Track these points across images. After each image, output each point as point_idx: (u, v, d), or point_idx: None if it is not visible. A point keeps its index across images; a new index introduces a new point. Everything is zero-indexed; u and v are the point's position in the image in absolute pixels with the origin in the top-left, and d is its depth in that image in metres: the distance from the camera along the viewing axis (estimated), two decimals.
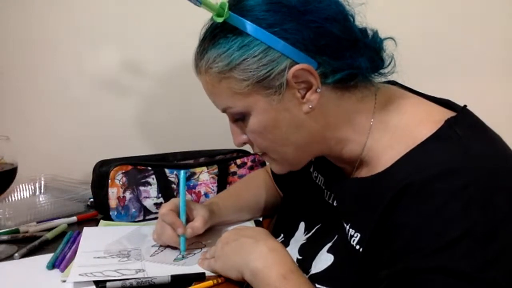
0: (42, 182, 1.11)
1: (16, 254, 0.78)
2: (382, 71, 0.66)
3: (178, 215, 0.79)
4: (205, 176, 1.02)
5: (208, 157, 1.07)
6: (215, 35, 0.63)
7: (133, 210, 0.96)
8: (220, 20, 0.60)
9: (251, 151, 0.72)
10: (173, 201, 0.82)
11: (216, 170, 1.03)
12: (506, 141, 0.60)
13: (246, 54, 0.61)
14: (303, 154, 0.69)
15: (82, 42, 1.18)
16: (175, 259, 0.77)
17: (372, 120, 0.65)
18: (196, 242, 0.82)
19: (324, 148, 0.68)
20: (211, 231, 0.86)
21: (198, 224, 0.79)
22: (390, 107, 0.65)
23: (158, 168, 0.99)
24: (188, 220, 0.80)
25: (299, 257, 0.73)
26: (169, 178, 0.99)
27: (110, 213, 0.95)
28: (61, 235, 0.88)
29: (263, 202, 0.95)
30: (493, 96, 1.12)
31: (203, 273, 0.71)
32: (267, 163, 1.03)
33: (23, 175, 0.95)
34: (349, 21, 0.63)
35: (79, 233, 0.87)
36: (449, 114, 0.61)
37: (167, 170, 0.99)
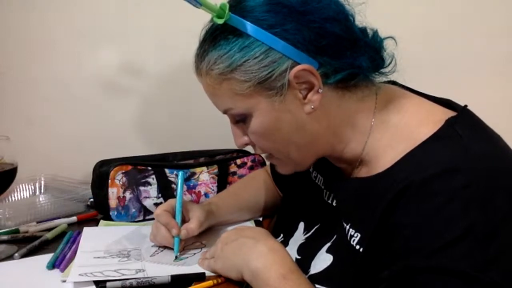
0: (42, 182, 1.11)
1: (16, 254, 0.78)
2: (382, 70, 0.66)
3: (174, 215, 0.79)
4: (205, 176, 1.02)
5: (208, 157, 1.07)
6: (216, 36, 0.63)
7: (133, 210, 0.96)
8: (220, 21, 0.60)
9: (252, 151, 0.72)
10: (169, 202, 0.82)
11: (216, 170, 1.03)
12: (506, 140, 0.60)
13: (247, 55, 0.61)
14: (306, 155, 0.68)
15: (82, 42, 1.18)
16: (175, 259, 0.77)
17: (373, 119, 0.65)
18: (195, 242, 0.82)
19: (326, 148, 0.68)
20: (211, 231, 0.86)
21: (193, 226, 0.79)
22: (391, 107, 0.65)
23: (158, 168, 0.99)
24: (184, 221, 0.80)
25: (298, 257, 0.73)
26: (169, 178, 0.99)
27: (110, 213, 0.95)
28: (61, 235, 0.88)
29: (262, 202, 0.95)
30: (493, 95, 1.12)
31: (203, 273, 0.71)
32: (267, 163, 1.03)
33: (23, 175, 0.95)
34: (350, 21, 0.63)
35: (79, 233, 0.87)
36: (449, 114, 0.61)
37: (167, 170, 0.99)
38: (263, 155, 0.71)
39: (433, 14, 1.11)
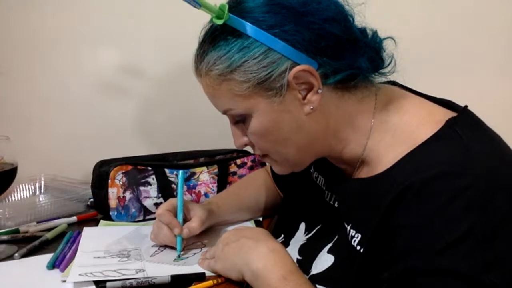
0: (42, 182, 1.11)
1: (16, 254, 0.78)
2: (382, 70, 0.66)
3: (175, 215, 0.79)
4: (205, 176, 1.02)
5: (208, 157, 1.07)
6: (215, 37, 0.63)
7: (133, 210, 0.96)
8: (220, 22, 0.60)
9: (251, 151, 0.72)
10: (170, 201, 0.82)
11: (216, 170, 1.03)
12: (506, 141, 0.60)
13: (247, 56, 0.60)
14: (305, 155, 0.68)
15: (82, 42, 1.18)
16: (175, 259, 0.77)
17: (372, 120, 0.65)
18: (195, 242, 0.82)
19: (325, 149, 0.68)
20: (211, 231, 0.86)
21: (194, 224, 0.79)
22: (391, 107, 0.65)
23: (158, 168, 0.99)
24: (186, 220, 0.80)
25: (299, 258, 0.73)
26: (169, 178, 0.99)
27: (110, 213, 0.95)
28: (61, 235, 0.88)
29: (263, 202, 0.95)
30: (493, 96, 1.12)
31: (203, 273, 0.71)
32: (267, 164, 1.03)
33: (23, 175, 0.95)
34: (349, 22, 0.63)
35: (79, 233, 0.87)
36: (449, 114, 0.61)
37: (167, 170, 0.99)
38: (260, 156, 0.71)
39: (433, 14, 1.11)
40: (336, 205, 0.71)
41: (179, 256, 0.77)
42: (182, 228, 0.78)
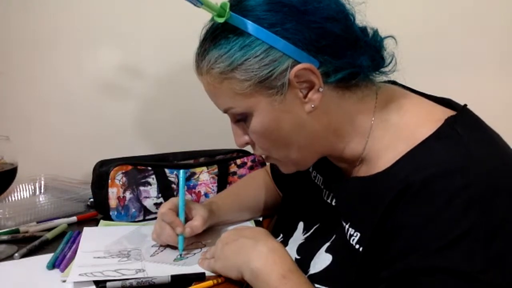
0: (42, 182, 1.11)
1: (16, 254, 0.78)
2: (383, 69, 0.66)
3: (177, 214, 0.79)
4: (205, 176, 1.02)
5: (208, 157, 1.07)
6: (216, 35, 0.63)
7: (133, 210, 0.96)
8: (221, 20, 0.60)
9: (252, 151, 0.72)
10: (172, 200, 0.82)
11: (216, 170, 1.03)
12: (506, 140, 0.60)
13: (248, 54, 0.60)
14: (306, 154, 0.68)
15: (82, 42, 1.18)
16: (175, 259, 0.77)
17: (373, 119, 0.65)
18: (195, 242, 0.82)
19: (326, 148, 0.68)
20: (211, 231, 0.86)
21: (197, 223, 0.79)
22: (391, 106, 0.65)
23: (158, 168, 0.99)
24: (187, 219, 0.80)
25: (298, 257, 0.73)
26: (169, 178, 0.99)
27: (110, 213, 0.95)
28: (61, 235, 0.88)
29: (262, 202, 0.95)
30: (493, 95, 1.12)
31: (203, 273, 0.71)
32: (267, 163, 1.03)
33: (23, 175, 0.95)
34: (350, 20, 0.63)
35: (79, 233, 0.87)
36: (449, 113, 0.61)
37: (167, 170, 0.99)
38: (263, 156, 0.71)
39: (433, 14, 1.11)
40: (334, 204, 0.71)
41: (181, 255, 0.77)
42: (184, 227, 0.78)
